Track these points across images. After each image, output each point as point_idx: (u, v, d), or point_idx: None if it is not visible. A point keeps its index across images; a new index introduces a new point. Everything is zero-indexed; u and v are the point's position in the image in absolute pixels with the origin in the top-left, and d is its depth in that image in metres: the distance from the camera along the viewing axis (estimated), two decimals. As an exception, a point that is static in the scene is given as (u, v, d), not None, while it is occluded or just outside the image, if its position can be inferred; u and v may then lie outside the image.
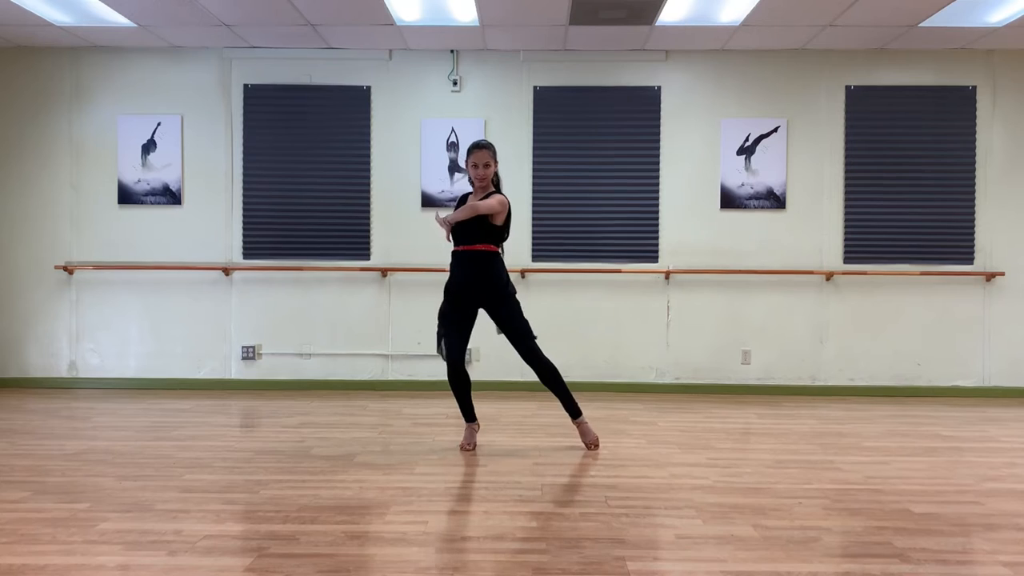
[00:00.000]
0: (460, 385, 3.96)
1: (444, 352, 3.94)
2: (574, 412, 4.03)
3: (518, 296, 4.01)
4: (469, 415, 4.04)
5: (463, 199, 4.03)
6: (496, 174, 3.98)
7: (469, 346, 6.00)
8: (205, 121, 6.08)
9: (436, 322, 4.05)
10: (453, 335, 3.92)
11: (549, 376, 3.96)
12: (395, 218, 6.07)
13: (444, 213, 3.89)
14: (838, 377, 6.02)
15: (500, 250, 3.95)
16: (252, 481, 3.37)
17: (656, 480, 3.44)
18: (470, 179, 3.96)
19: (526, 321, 3.96)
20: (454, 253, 3.93)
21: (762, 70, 6.01)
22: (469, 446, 3.99)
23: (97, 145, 6.08)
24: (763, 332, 6.03)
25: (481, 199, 3.89)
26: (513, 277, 6.00)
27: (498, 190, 4.00)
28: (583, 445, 4.04)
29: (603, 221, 6.03)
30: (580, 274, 6.04)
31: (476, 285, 3.88)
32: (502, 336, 6.00)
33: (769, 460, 3.84)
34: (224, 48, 6.03)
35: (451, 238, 3.89)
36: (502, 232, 3.92)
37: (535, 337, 3.96)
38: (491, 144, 3.95)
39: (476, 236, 3.85)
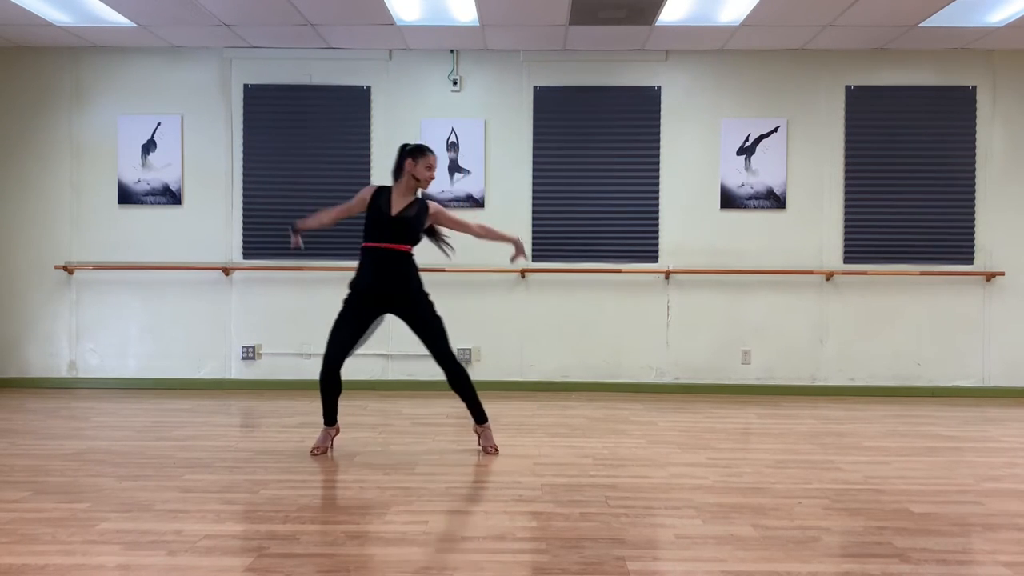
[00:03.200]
0: (331, 386, 3.85)
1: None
2: (480, 417, 3.97)
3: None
4: (330, 418, 3.94)
5: (378, 193, 3.85)
6: None
7: (469, 346, 6.07)
8: (205, 121, 6.08)
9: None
10: (344, 333, 3.80)
11: (461, 380, 3.88)
12: (395, 218, 6.06)
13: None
14: (838, 377, 6.02)
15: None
16: (252, 481, 3.37)
17: (656, 480, 3.44)
18: (400, 175, 3.85)
19: (442, 324, 3.86)
20: (369, 249, 3.79)
21: (762, 70, 6.01)
22: (319, 450, 3.89)
23: (97, 145, 6.08)
24: (763, 332, 6.03)
25: (417, 199, 3.86)
26: (513, 277, 6.06)
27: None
28: (481, 448, 3.98)
29: (603, 221, 6.02)
30: (580, 274, 6.04)
31: (394, 287, 3.78)
32: (503, 336, 6.05)
33: (769, 460, 3.84)
34: (224, 48, 6.03)
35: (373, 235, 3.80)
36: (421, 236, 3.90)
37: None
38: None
39: (405, 235, 3.78)
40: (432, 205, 3.93)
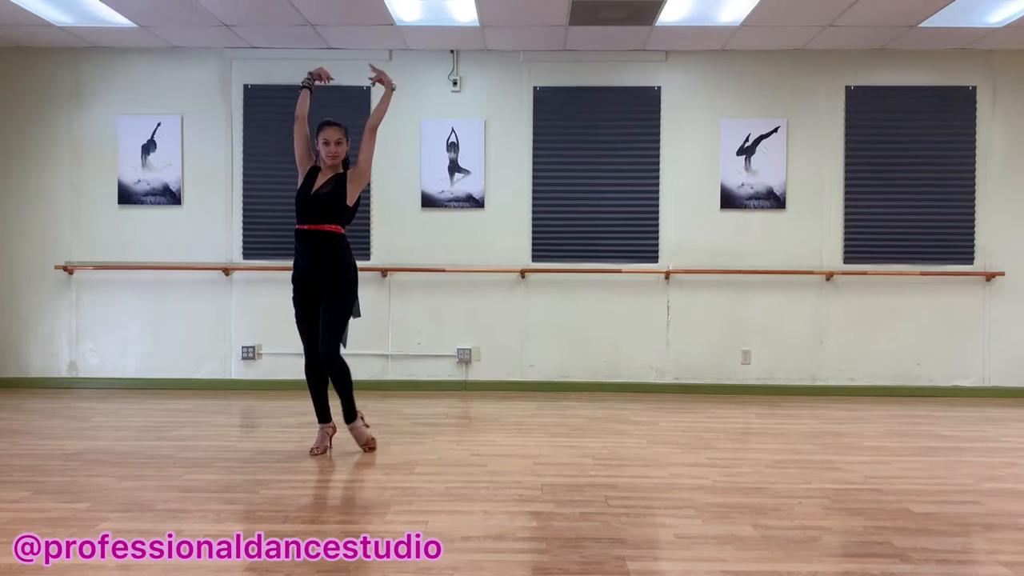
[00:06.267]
0: (316, 380, 3.84)
1: (344, 343, 3.84)
2: (349, 416, 3.92)
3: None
4: (323, 415, 3.93)
5: (311, 171, 3.83)
6: (348, 155, 3.88)
7: (469, 346, 6.07)
8: (205, 121, 6.08)
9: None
10: (308, 329, 3.80)
11: (340, 379, 3.81)
12: (395, 218, 6.07)
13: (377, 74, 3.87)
14: (838, 377, 6.02)
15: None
16: (252, 481, 3.37)
17: (656, 480, 3.44)
18: (318, 156, 3.82)
19: (345, 319, 3.80)
20: (298, 233, 3.76)
21: (762, 70, 6.01)
22: (319, 451, 3.88)
23: (97, 145, 6.08)
24: (763, 332, 6.03)
25: (337, 173, 3.79)
26: (513, 277, 6.05)
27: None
28: (359, 448, 3.95)
29: (603, 221, 6.02)
30: (580, 274, 6.04)
31: (319, 268, 3.74)
32: (503, 336, 6.04)
33: (769, 460, 3.84)
34: (224, 48, 6.03)
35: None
36: (353, 212, 3.83)
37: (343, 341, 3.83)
38: (343, 124, 3.84)
39: (326, 215, 3.73)
40: (352, 167, 3.86)
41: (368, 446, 3.97)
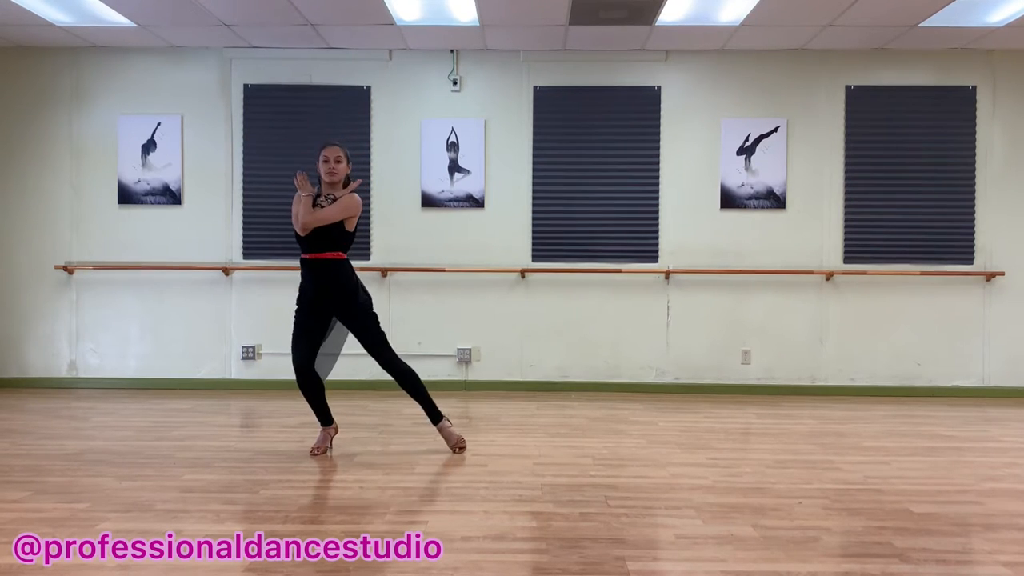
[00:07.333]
0: (309, 389, 3.86)
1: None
2: (435, 417, 3.97)
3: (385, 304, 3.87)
4: (324, 419, 3.97)
5: (312, 201, 3.78)
6: (347, 176, 3.87)
7: (468, 346, 6.07)
8: (205, 121, 6.08)
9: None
10: (302, 339, 3.82)
11: (409, 383, 3.89)
12: (395, 218, 6.07)
13: (306, 191, 3.73)
14: (838, 377, 6.02)
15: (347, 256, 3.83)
16: (252, 481, 3.37)
17: (656, 480, 3.44)
18: (319, 183, 3.85)
19: (380, 331, 3.86)
20: (302, 260, 3.80)
21: (762, 70, 6.01)
22: (319, 451, 3.90)
23: (97, 145, 6.08)
24: (763, 332, 6.03)
25: (331, 199, 3.78)
26: (513, 277, 6.05)
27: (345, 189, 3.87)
28: (448, 449, 3.98)
29: (603, 221, 6.03)
30: (580, 274, 6.04)
31: (327, 296, 3.77)
32: (503, 336, 6.05)
33: (769, 460, 3.84)
34: (224, 48, 6.03)
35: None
36: (351, 237, 3.82)
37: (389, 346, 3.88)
38: (343, 146, 3.86)
39: (324, 243, 3.73)
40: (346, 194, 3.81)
41: (457, 446, 3.97)
